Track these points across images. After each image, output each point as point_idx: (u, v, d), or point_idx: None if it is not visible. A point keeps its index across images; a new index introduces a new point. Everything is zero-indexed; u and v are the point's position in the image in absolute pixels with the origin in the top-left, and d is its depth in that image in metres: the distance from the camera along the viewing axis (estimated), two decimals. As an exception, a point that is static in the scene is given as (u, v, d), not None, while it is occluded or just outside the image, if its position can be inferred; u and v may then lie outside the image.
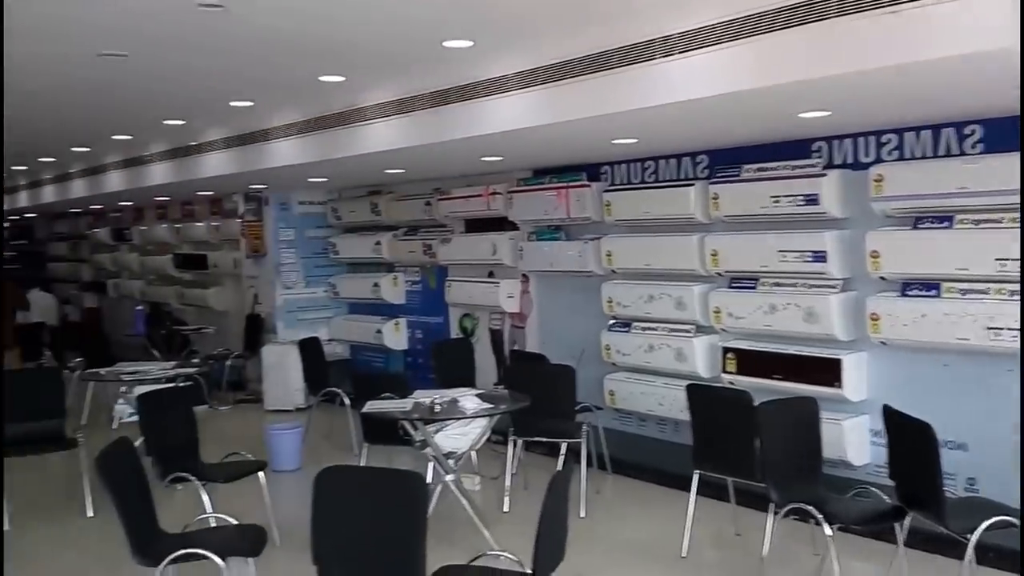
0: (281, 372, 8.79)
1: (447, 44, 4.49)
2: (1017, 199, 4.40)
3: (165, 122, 7.16)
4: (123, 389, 7.15)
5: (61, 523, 5.56)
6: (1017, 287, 4.50)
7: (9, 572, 4.87)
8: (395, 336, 8.92)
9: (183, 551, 3.49)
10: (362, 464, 5.51)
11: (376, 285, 8.98)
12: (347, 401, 7.12)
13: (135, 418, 6.50)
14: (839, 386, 5.26)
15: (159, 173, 9.01)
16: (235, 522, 4.04)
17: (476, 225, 8.02)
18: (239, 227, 10.10)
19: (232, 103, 6.25)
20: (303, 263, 9.76)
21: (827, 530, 3.87)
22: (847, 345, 5.35)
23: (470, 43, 4.49)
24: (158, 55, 4.79)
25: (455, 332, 8.40)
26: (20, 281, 13.04)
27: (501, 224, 7.68)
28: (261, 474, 4.96)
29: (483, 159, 6.75)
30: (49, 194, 11.96)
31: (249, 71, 5.29)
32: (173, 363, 7.77)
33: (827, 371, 5.30)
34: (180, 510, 4.61)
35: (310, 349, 8.04)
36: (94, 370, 7.40)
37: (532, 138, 5.60)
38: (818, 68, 3.67)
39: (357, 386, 6.21)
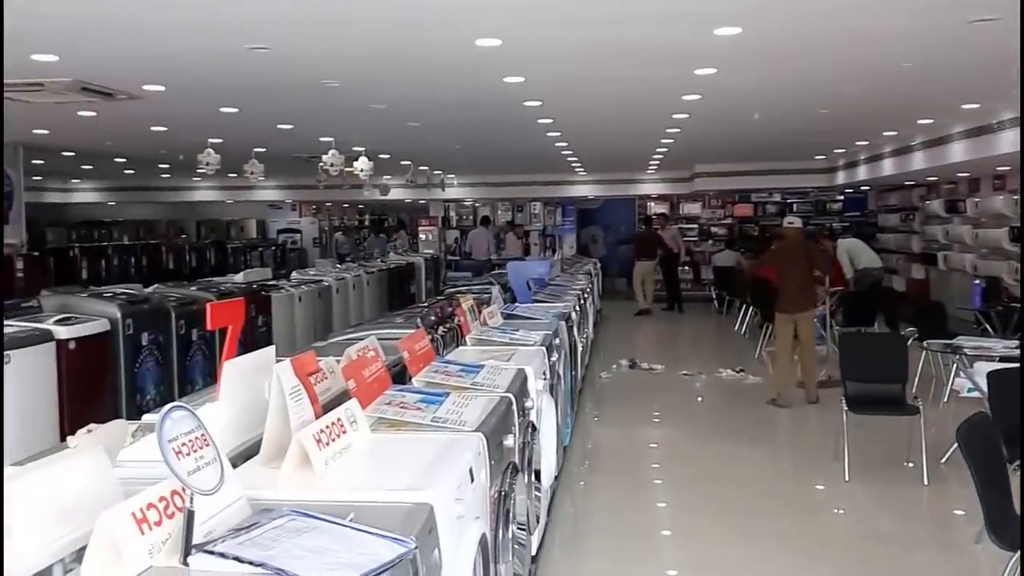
0: None
1: None
2: None
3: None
4: (958, 360, 6.96)
5: (894, 485, 5.69)
6: None
7: (844, 520, 5.27)
8: None
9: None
10: None
11: None
12: None
13: (974, 394, 6.28)
14: None
15: (1006, 141, 8.44)
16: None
17: None
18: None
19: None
20: None
21: None
22: None
23: None
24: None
25: None
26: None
27: None
28: None
29: None
30: (888, 167, 12.39)
31: None
32: (1016, 342, 7.22)
33: None
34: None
35: None
36: (928, 340, 7.40)
37: None
38: None
39: None
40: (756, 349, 10.47)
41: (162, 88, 7.07)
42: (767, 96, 7.50)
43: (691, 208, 18.50)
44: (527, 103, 7.81)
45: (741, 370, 9.39)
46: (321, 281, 9.40)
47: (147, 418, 2.61)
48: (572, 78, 6.66)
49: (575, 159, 14.43)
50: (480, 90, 7.10)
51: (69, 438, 2.30)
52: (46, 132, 10.09)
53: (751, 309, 11.90)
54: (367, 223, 25.74)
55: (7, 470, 2.16)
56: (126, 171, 17.12)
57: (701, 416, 8.04)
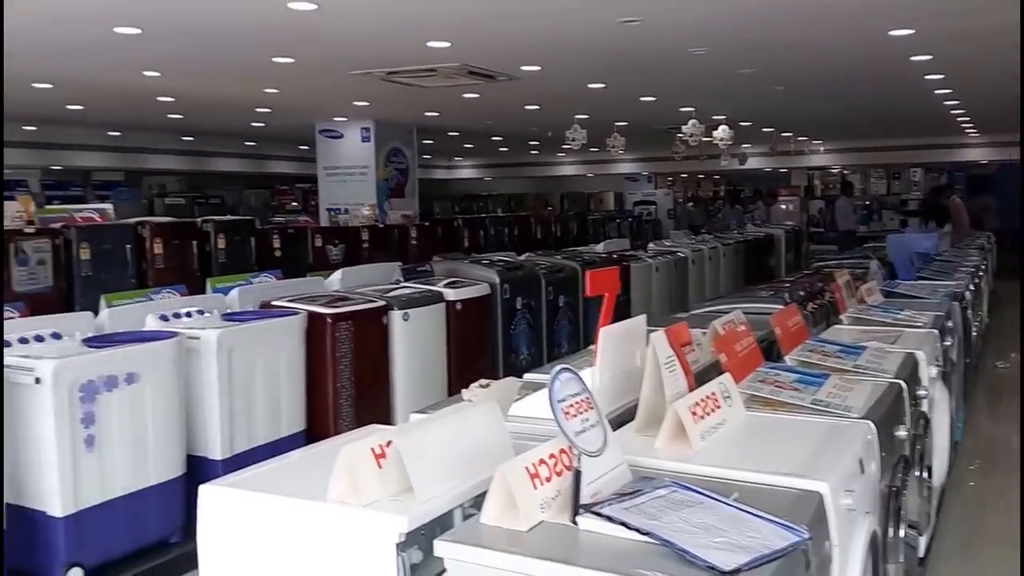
0: None
1: None
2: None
3: None
4: None
5: None
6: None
7: None
8: None
9: None
10: None
11: None
12: None
13: None
14: None
15: None
16: None
17: None
18: None
19: None
20: None
21: None
22: None
23: None
24: None
25: None
26: None
27: None
28: None
29: None
30: None
31: None
32: None
33: None
34: None
35: None
36: None
37: None
38: None
39: None
40: None
41: (538, 68, 7.47)
42: None
43: (1121, 173, 15.41)
44: (914, 58, 7.02)
45: None
46: (677, 252, 9.38)
47: (528, 377, 2.76)
48: (972, 27, 5.84)
49: (966, 119, 12.76)
50: (860, 46, 6.52)
51: (464, 391, 2.49)
52: (436, 114, 11.23)
53: None
54: (722, 194, 25.21)
55: (414, 416, 2.42)
56: (500, 149, 18.56)
57: None
